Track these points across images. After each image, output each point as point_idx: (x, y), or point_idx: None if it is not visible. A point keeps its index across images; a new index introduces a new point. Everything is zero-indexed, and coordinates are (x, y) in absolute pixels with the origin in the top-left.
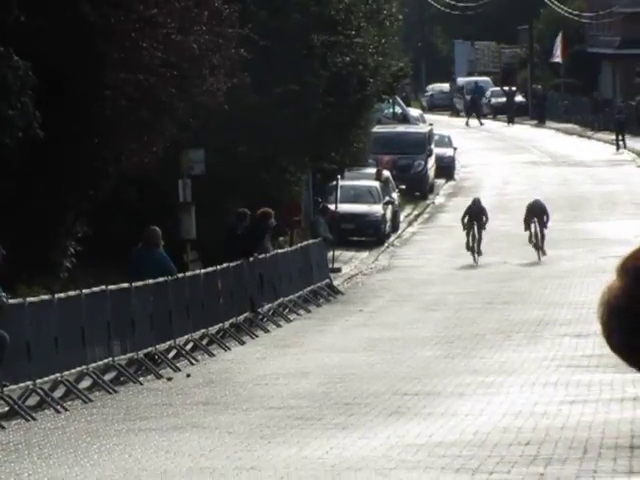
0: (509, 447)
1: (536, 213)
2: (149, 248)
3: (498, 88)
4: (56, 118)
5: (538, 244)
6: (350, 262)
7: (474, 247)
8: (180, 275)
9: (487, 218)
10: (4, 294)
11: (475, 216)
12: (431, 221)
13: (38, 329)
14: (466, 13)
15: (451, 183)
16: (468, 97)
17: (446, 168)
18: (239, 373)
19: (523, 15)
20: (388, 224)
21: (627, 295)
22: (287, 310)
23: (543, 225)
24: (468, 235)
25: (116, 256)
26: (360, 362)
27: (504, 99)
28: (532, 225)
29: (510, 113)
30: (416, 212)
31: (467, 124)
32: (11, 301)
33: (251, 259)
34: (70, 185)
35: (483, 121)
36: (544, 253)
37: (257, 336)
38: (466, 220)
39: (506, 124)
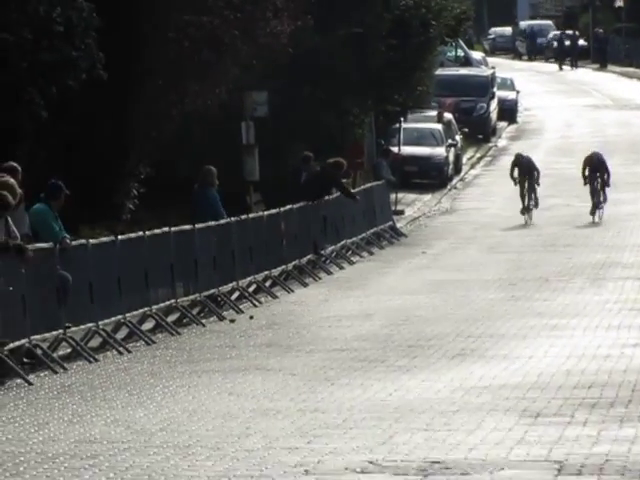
0: (572, 390)
1: (596, 167)
2: (204, 187)
3: (560, 31)
4: (120, 60)
5: (599, 204)
6: (413, 204)
7: (529, 206)
8: (243, 217)
9: (539, 172)
10: (67, 235)
11: (526, 171)
12: (493, 164)
13: (101, 271)
14: None
15: (514, 126)
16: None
17: (508, 111)
18: (302, 315)
19: None
20: (451, 167)
21: None
22: (350, 252)
23: (605, 183)
24: (523, 195)
25: (179, 198)
26: (423, 304)
27: (567, 42)
28: (594, 182)
29: (574, 57)
30: (478, 155)
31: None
32: (74, 243)
33: (314, 202)
34: (133, 127)
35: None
36: (601, 215)
37: (320, 278)
38: (516, 175)
39: (569, 68)
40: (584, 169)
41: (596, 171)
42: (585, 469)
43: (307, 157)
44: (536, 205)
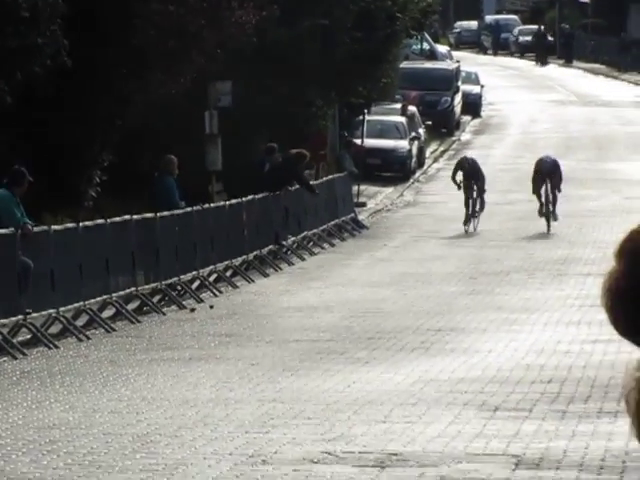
0: (531, 385)
1: (547, 172)
2: (162, 176)
3: (526, 26)
4: (85, 47)
5: (548, 211)
6: (375, 197)
7: (474, 212)
8: (205, 206)
9: (483, 178)
10: (29, 221)
11: (471, 176)
12: (457, 158)
13: (62, 257)
14: None
15: (477, 120)
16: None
17: (472, 105)
18: (262, 306)
19: None
20: (414, 160)
21: (627, 277)
22: (311, 243)
23: (556, 187)
24: (467, 201)
25: (142, 186)
26: (384, 297)
27: (531, 38)
28: (543, 188)
29: (541, 53)
30: (442, 148)
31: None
32: (36, 229)
33: (276, 193)
34: (97, 114)
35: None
36: (555, 218)
37: (281, 269)
38: (460, 179)
39: (534, 63)
40: (535, 174)
41: (548, 177)
42: (543, 463)
43: (271, 148)
44: (482, 209)
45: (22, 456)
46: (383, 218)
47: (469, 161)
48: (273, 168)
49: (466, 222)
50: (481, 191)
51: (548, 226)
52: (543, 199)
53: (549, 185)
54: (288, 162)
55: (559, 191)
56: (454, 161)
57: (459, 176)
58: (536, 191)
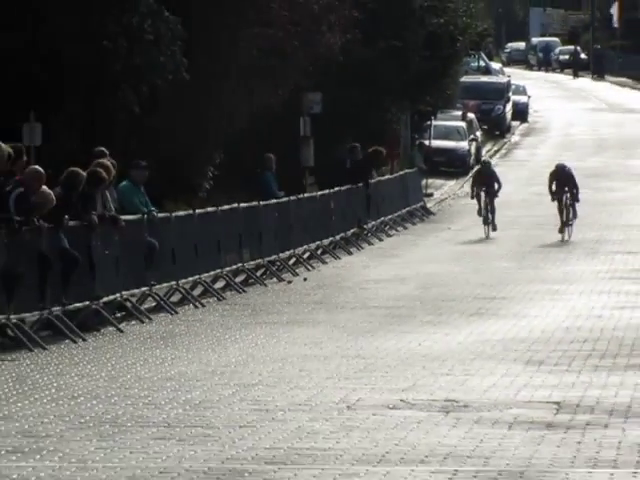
0: (570, 343)
1: (563, 182)
2: (263, 171)
3: (564, 47)
4: (200, 65)
5: (567, 222)
6: (440, 188)
7: (487, 217)
8: (300, 196)
9: (500, 184)
10: (154, 209)
11: (484, 182)
12: (508, 156)
13: (181, 238)
14: None
15: (525, 125)
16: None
17: (521, 112)
18: (347, 278)
19: None
20: (472, 157)
21: None
22: (387, 227)
23: (574, 197)
24: (479, 204)
25: (247, 179)
26: (448, 271)
27: (568, 56)
28: (563, 197)
29: (576, 69)
30: (495, 148)
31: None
32: (160, 215)
33: (359, 184)
34: (210, 120)
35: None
36: (569, 235)
37: (362, 248)
38: (474, 189)
39: (572, 77)
40: (551, 183)
41: (564, 185)
42: (579, 409)
43: (353, 147)
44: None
45: (148, 403)
46: (447, 206)
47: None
48: (355, 163)
49: (561, 230)
50: (574, 199)
51: (566, 234)
52: (564, 213)
53: (567, 195)
54: (367, 158)
55: (577, 201)
56: (506, 158)
57: (554, 186)
58: (554, 198)
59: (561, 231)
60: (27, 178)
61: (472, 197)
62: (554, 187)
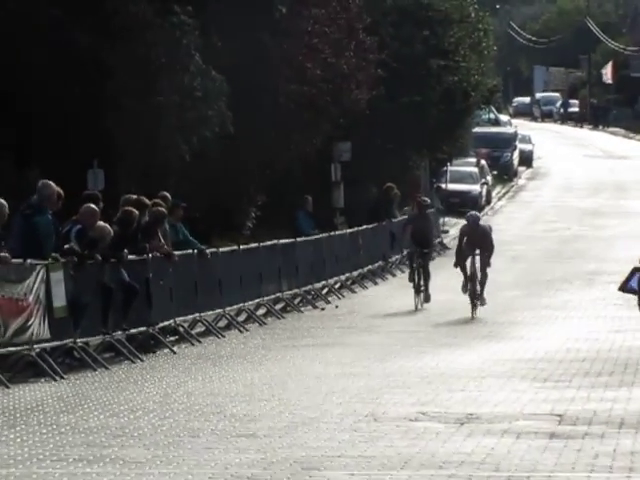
0: (570, 362)
1: (476, 240)
2: (301, 211)
3: (565, 100)
4: (244, 117)
5: (475, 291)
6: (455, 226)
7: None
8: (332, 233)
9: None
10: (203, 247)
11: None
12: (515, 197)
13: (228, 271)
14: (542, 45)
15: (530, 170)
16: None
17: (526, 159)
18: (373, 306)
19: (584, 47)
20: (484, 199)
21: None
22: (408, 260)
23: (485, 261)
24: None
25: (286, 218)
26: (462, 299)
27: (570, 109)
28: (469, 260)
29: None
30: (504, 190)
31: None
32: (208, 250)
33: (384, 223)
34: (253, 167)
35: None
36: (482, 303)
37: (387, 279)
38: (464, 245)
39: (573, 127)
40: (460, 241)
41: (476, 245)
42: (579, 421)
43: (388, 187)
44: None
45: (198, 416)
46: None
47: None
48: (376, 202)
49: (472, 303)
50: (485, 263)
51: (473, 309)
52: (469, 272)
53: (477, 258)
54: (382, 195)
55: (489, 266)
56: (513, 200)
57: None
58: (460, 262)
59: (472, 303)
60: (83, 216)
61: (457, 264)
62: (464, 245)
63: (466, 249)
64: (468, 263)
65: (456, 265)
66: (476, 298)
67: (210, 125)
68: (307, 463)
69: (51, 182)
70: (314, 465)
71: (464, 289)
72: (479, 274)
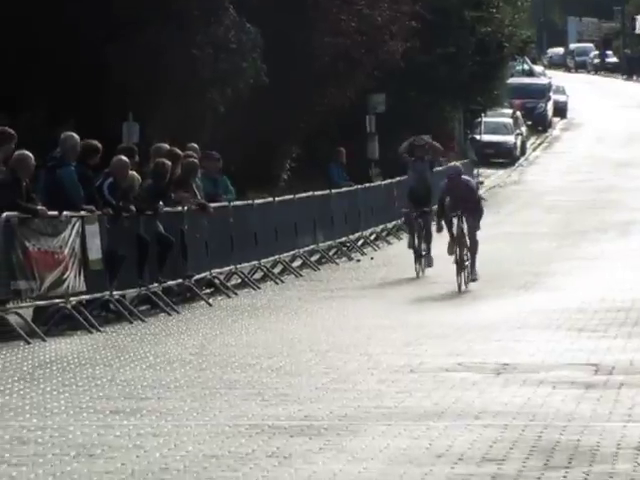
0: (606, 312)
1: (459, 198)
2: (329, 163)
3: (598, 52)
4: (278, 70)
5: (463, 259)
6: (490, 177)
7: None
8: (367, 185)
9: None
10: (229, 197)
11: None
12: (549, 148)
13: (263, 223)
14: None
15: (564, 120)
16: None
17: (560, 109)
18: (409, 257)
19: None
20: (518, 150)
21: None
22: None
23: (473, 224)
24: (451, 232)
25: (320, 171)
26: (498, 250)
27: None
28: (455, 221)
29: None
30: (538, 141)
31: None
32: (244, 202)
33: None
34: (288, 119)
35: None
36: (473, 277)
37: None
38: (447, 206)
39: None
40: (442, 200)
41: (459, 203)
42: (615, 370)
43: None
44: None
45: (235, 368)
46: (496, 193)
47: (456, 176)
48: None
49: (458, 272)
50: (474, 225)
51: (459, 279)
52: (455, 234)
53: (464, 219)
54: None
55: (477, 229)
56: (548, 151)
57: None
58: (445, 223)
59: (457, 271)
60: (114, 168)
61: (439, 228)
62: (447, 205)
63: (449, 210)
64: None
65: (439, 229)
66: (463, 268)
67: (244, 77)
68: (344, 414)
69: (74, 134)
70: (351, 416)
71: (450, 250)
72: (468, 240)
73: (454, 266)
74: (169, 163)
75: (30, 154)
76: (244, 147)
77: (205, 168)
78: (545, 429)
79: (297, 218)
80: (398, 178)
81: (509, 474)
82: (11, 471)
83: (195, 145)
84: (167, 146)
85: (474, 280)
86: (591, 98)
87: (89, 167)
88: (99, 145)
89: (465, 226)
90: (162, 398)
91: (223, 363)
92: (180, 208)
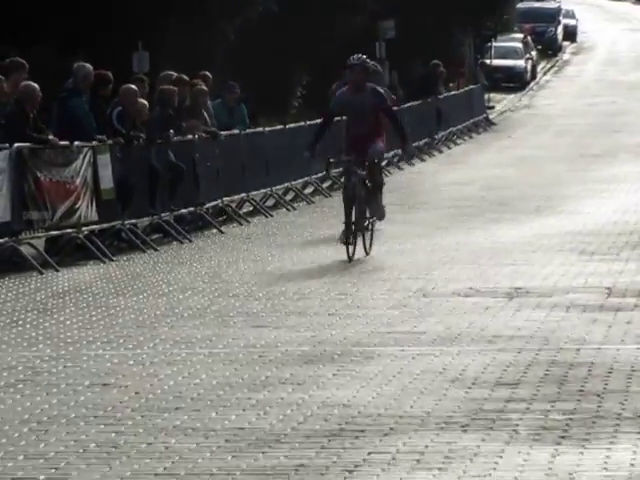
0: (618, 235)
1: (370, 107)
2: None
3: None
4: None
5: (359, 225)
6: (501, 102)
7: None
8: None
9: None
10: (242, 126)
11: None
12: (560, 72)
13: (275, 150)
14: None
15: (574, 44)
16: None
17: (570, 33)
18: (420, 182)
19: None
20: (528, 74)
21: None
22: (455, 137)
23: (375, 145)
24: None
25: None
26: (509, 174)
27: None
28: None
29: None
30: (549, 65)
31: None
32: (254, 130)
33: (429, 99)
34: (298, 48)
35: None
36: (376, 214)
37: (434, 155)
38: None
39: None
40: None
41: (363, 138)
42: (628, 293)
43: (434, 64)
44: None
45: (247, 296)
46: (507, 117)
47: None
48: (421, 79)
49: (345, 239)
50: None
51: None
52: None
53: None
54: (429, 71)
55: (379, 155)
56: (558, 74)
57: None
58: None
59: (344, 240)
60: (122, 97)
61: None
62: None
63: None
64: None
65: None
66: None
67: (254, 5)
68: (357, 339)
69: (86, 64)
70: (364, 342)
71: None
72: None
73: (470, 189)
74: (174, 89)
75: (36, 85)
76: (255, 75)
77: (223, 98)
78: (558, 352)
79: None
80: (410, 103)
81: (523, 398)
82: (25, 401)
83: (208, 73)
84: (174, 73)
85: (380, 218)
86: (601, 22)
87: (101, 97)
88: (110, 75)
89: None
90: (175, 326)
91: (236, 291)
92: (191, 136)
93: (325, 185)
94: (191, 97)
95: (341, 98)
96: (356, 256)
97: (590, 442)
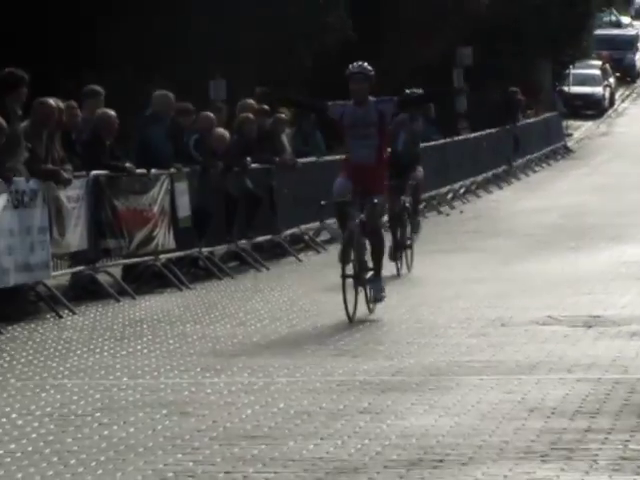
0: None
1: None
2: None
3: None
4: (363, 24)
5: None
6: (579, 129)
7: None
8: (455, 138)
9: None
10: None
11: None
12: (638, 99)
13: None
14: None
15: None
16: None
17: None
18: (498, 210)
19: None
20: (607, 101)
21: None
22: (533, 164)
23: (413, 185)
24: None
25: None
26: (587, 202)
27: None
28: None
29: None
30: (627, 92)
31: None
32: (332, 157)
33: (507, 126)
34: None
35: None
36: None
37: (512, 183)
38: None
39: None
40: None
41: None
42: None
43: (512, 92)
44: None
45: (325, 325)
46: (585, 144)
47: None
48: (499, 106)
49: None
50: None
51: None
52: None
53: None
54: (507, 98)
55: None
56: (637, 101)
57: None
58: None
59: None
60: (199, 124)
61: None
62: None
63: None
64: None
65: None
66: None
67: (331, 32)
68: (435, 369)
69: (168, 92)
70: (442, 371)
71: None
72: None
73: (548, 217)
74: (253, 118)
75: (112, 112)
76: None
77: (299, 125)
78: (638, 381)
79: None
80: (488, 131)
81: (602, 428)
82: (102, 430)
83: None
84: (253, 102)
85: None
86: None
87: (180, 126)
88: (191, 106)
89: None
90: (253, 355)
91: (313, 320)
92: (268, 164)
93: None
94: (270, 125)
95: (344, 108)
96: (433, 283)
97: None
